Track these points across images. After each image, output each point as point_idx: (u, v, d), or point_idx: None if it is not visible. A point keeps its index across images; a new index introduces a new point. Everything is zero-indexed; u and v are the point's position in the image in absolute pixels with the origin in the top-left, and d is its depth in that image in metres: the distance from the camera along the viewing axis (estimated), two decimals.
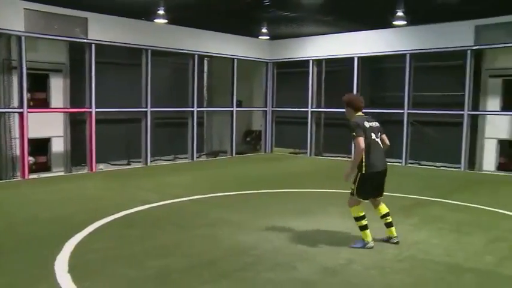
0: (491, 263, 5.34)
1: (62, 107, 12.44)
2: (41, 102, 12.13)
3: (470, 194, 9.33)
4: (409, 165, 13.69)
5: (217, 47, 15.07)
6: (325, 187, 9.97)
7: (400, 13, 11.58)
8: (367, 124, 5.81)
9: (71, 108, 12.40)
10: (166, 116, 14.80)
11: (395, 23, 12.28)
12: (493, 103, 13.28)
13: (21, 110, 10.81)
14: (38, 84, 12.13)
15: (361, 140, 5.60)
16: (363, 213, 5.81)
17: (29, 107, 10.96)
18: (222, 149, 16.50)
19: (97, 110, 12.07)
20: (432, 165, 13.56)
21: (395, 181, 10.29)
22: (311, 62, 15.79)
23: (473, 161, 13.22)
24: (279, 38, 16.03)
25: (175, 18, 12.52)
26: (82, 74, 12.07)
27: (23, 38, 10.68)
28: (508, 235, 6.46)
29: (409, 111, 13.60)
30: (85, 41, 11.80)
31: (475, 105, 13.13)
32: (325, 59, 15.78)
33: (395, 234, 5.94)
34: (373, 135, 5.77)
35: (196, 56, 14.39)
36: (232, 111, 15.76)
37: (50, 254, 5.37)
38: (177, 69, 15.20)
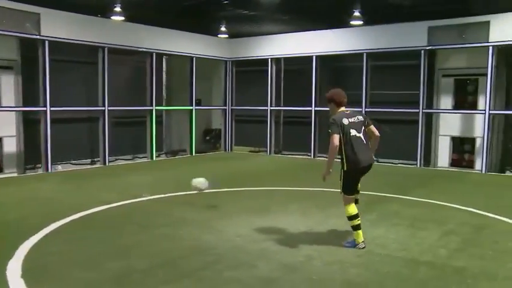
0: (445, 255, 5.52)
1: (13, 105, 12.02)
2: None
3: (426, 190, 9.60)
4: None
5: (175, 45, 14.94)
6: (285, 185, 10.05)
7: (356, 13, 11.81)
8: (345, 121, 5.73)
9: (24, 107, 12.00)
10: (125, 115, 14.56)
11: (353, 22, 12.51)
12: (446, 102, 13.72)
13: None
14: None
15: (335, 138, 5.60)
16: (356, 213, 5.71)
17: None
18: (181, 148, 16.38)
19: (52, 109, 11.76)
20: (390, 163, 13.87)
21: None
22: (270, 60, 15.88)
23: (428, 158, 13.61)
24: (238, 36, 16.04)
25: (133, 16, 12.34)
26: (35, 71, 11.72)
27: None
28: (460, 228, 6.69)
29: (366, 109, 13.85)
30: (37, 37, 11.45)
31: (430, 104, 13.51)
32: (284, 57, 15.90)
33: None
34: (353, 132, 5.68)
35: (154, 54, 14.22)
36: (192, 110, 15.67)
37: (1, 259, 5.19)
38: (136, 68, 14.97)
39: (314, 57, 14.85)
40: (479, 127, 12.75)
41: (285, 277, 4.87)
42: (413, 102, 13.29)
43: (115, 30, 13.10)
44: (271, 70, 15.95)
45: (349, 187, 5.76)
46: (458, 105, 13.58)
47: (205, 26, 14.58)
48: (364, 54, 13.90)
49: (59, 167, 12.34)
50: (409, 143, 13.35)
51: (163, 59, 15.94)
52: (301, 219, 7.09)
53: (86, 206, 7.70)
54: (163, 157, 15.47)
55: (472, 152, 13.44)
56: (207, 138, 17.64)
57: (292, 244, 5.89)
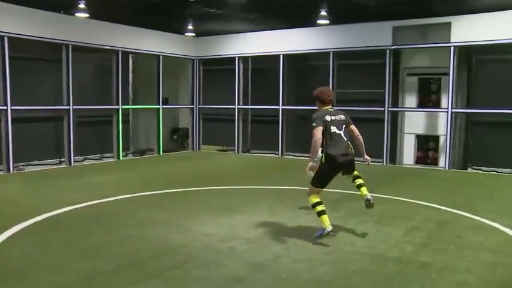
0: (410, 251, 5.63)
1: None
2: None
3: (392, 187, 9.77)
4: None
5: (142, 44, 14.77)
6: (253, 184, 10.07)
7: (323, 12, 11.92)
8: (328, 118, 5.93)
9: None
10: (91, 114, 14.32)
11: (319, 22, 12.63)
12: (411, 100, 13.99)
13: None
14: None
15: (318, 130, 5.81)
16: (318, 200, 5.93)
17: None
18: (148, 147, 16.21)
19: (13, 107, 11.45)
20: (357, 161, 13.98)
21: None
22: (237, 59, 15.86)
23: (394, 156, 13.85)
24: (205, 35, 15.97)
25: (98, 13, 12.11)
26: None
27: None
28: (425, 225, 6.84)
29: (334, 108, 13.95)
30: None
31: (395, 102, 13.76)
32: (252, 56, 15.92)
33: (368, 196, 6.14)
34: (334, 129, 5.89)
35: (120, 52, 14.00)
36: (159, 109, 15.52)
37: None
38: (101, 66, 14.74)
39: (281, 56, 14.91)
40: (443, 125, 13.07)
41: (253, 276, 4.88)
42: (379, 101, 13.50)
43: (79, 28, 12.83)
44: (238, 69, 15.94)
45: (320, 180, 5.94)
46: (422, 104, 13.88)
47: (172, 24, 14.46)
48: (331, 53, 14.03)
49: (22, 167, 12.02)
50: (375, 141, 13.54)
51: (130, 58, 15.74)
52: (270, 218, 7.12)
53: (50, 208, 7.53)
54: (130, 157, 15.28)
55: (436, 149, 13.76)
56: (175, 137, 17.51)
57: (260, 243, 5.91)
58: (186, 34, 15.53)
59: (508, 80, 12.24)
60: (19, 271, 4.95)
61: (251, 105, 16.41)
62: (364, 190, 6.20)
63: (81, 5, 11.23)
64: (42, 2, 11.32)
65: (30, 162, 12.57)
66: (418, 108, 13.89)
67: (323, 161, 5.87)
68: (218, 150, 16.86)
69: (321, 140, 5.82)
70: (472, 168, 12.92)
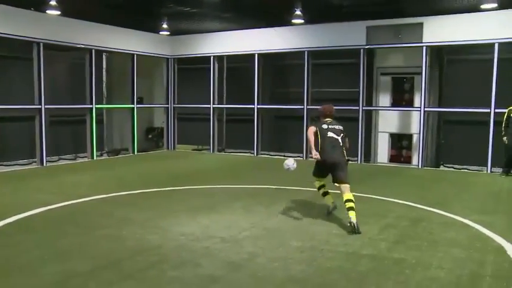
0: (384, 248, 5.72)
1: None
2: None
3: (366, 186, 9.86)
4: (311, 159, 14.11)
5: (116, 42, 14.61)
6: (229, 183, 10.06)
7: (298, 12, 11.97)
8: (324, 126, 7.02)
9: None
10: (65, 114, 14.11)
11: (294, 21, 12.68)
12: (384, 99, 14.18)
13: None
14: None
15: (310, 128, 7.03)
16: (321, 184, 7.26)
17: None
18: (123, 147, 16.05)
19: None
20: None
21: (297, 175, 10.65)
22: (212, 58, 15.82)
23: (368, 154, 14.01)
24: (180, 33, 15.89)
25: (70, 10, 11.91)
26: None
27: None
28: (398, 222, 6.95)
29: (308, 107, 14.07)
30: None
31: (369, 101, 13.92)
32: (227, 55, 15.90)
33: (353, 220, 6.37)
34: (330, 133, 6.93)
35: (93, 51, 13.82)
36: (133, 108, 15.38)
37: None
38: (74, 65, 14.52)
39: (256, 55, 14.93)
40: (416, 124, 13.28)
41: (229, 275, 4.88)
42: (353, 100, 13.63)
43: (51, 25, 12.61)
44: (213, 68, 15.90)
45: (316, 173, 7.22)
46: (395, 103, 14.08)
47: (146, 23, 14.35)
48: (306, 52, 14.12)
49: None
50: (350, 139, 13.66)
51: (104, 56, 15.55)
52: (245, 217, 7.13)
53: (22, 209, 7.40)
54: (105, 156, 15.11)
55: (409, 148, 13.98)
56: (150, 136, 17.38)
57: (236, 242, 5.92)
58: (160, 33, 15.42)
59: (477, 79, 12.50)
60: None
61: (226, 104, 16.40)
62: (352, 214, 6.45)
63: (53, 2, 11.02)
64: None
65: (1, 163, 12.32)
66: (391, 107, 14.08)
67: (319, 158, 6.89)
68: (193, 150, 16.81)
69: (313, 138, 6.87)
70: (444, 166, 13.18)
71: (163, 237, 6.10)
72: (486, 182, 10.79)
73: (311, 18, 12.79)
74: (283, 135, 15.63)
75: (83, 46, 13.57)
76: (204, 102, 16.00)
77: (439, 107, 13.34)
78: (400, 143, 14.17)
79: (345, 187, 6.66)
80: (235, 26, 14.72)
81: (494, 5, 10.43)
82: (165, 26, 14.44)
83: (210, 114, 15.95)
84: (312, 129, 6.99)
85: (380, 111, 14.18)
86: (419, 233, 6.39)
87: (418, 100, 13.24)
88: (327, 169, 6.93)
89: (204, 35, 15.84)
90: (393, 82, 14.18)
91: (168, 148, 16.92)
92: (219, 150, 16.26)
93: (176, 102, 16.84)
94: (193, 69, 16.95)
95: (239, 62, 15.91)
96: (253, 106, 15.03)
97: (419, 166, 12.90)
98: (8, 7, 11.56)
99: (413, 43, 12.76)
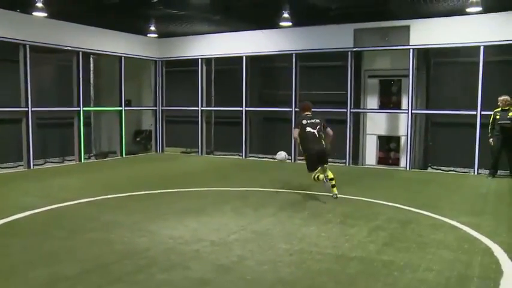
0: (373, 250, 5.73)
1: None
2: None
3: (355, 188, 9.90)
4: (299, 161, 14.14)
5: (103, 45, 14.53)
6: (218, 186, 10.03)
7: (285, 14, 11.99)
8: (304, 121, 8.54)
9: None
10: (52, 116, 13.99)
11: (282, 23, 12.70)
12: (372, 101, 14.24)
13: None
14: None
15: (295, 131, 8.61)
16: (313, 177, 8.53)
17: None
18: (111, 149, 15.95)
19: None
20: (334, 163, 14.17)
21: (286, 177, 10.66)
22: (200, 60, 15.80)
23: (356, 156, 14.06)
24: (168, 36, 15.84)
25: (57, 12, 11.80)
26: None
27: None
28: (387, 224, 6.97)
29: (297, 109, 14.08)
30: None
31: (357, 104, 13.98)
32: (215, 58, 15.89)
33: (336, 192, 8.49)
34: (308, 129, 8.46)
35: (80, 53, 13.74)
36: (121, 110, 15.29)
37: None
38: (61, 67, 14.42)
39: (244, 58, 14.93)
40: (403, 126, 13.36)
41: (218, 278, 4.86)
42: (341, 102, 13.69)
43: (37, 27, 12.51)
44: (201, 70, 15.88)
45: (310, 167, 8.51)
46: (383, 105, 14.16)
47: (134, 25, 14.28)
48: (293, 54, 14.16)
49: None
50: (338, 142, 13.70)
51: (91, 58, 15.46)
52: (234, 219, 7.12)
53: (8, 212, 7.31)
54: (93, 159, 15.01)
55: (397, 150, 14.04)
56: (138, 139, 17.29)
57: (225, 244, 5.90)
58: (148, 35, 15.36)
59: (464, 82, 12.62)
60: None
61: (214, 106, 16.37)
62: (335, 189, 8.54)
63: (39, 4, 10.91)
64: None
65: None
66: (379, 109, 14.16)
67: (304, 153, 8.54)
68: (182, 152, 16.75)
69: (298, 138, 8.46)
70: (432, 168, 13.26)
71: (152, 240, 6.06)
72: (473, 184, 10.88)
73: (299, 21, 12.81)
74: (271, 137, 15.63)
75: (70, 48, 13.48)
76: (192, 105, 15.96)
77: (427, 109, 13.43)
78: (388, 145, 14.24)
79: (327, 167, 8.50)
80: (223, 29, 14.70)
81: (479, 9, 10.53)
82: (153, 28, 14.38)
83: (198, 117, 15.92)
84: (296, 131, 8.54)
85: (368, 113, 14.24)
86: (408, 235, 6.42)
87: (405, 102, 13.32)
88: (316, 159, 8.39)
89: (192, 37, 15.81)
90: (381, 84, 14.24)
91: (156, 151, 16.85)
92: (207, 153, 16.23)
93: (164, 105, 16.79)
94: (181, 71, 16.91)
95: (227, 64, 15.89)
96: (241, 108, 15.02)
97: (407, 168, 12.98)
98: None
99: (400, 46, 12.86)
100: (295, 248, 5.79)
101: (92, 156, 15.28)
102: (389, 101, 14.19)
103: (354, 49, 13.40)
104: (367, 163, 14.14)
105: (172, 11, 12.08)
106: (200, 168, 13.43)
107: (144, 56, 16.14)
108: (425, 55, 13.36)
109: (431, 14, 11.98)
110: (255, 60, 15.24)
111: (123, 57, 15.10)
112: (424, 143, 13.57)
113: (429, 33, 12.49)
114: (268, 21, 13.22)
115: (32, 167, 12.53)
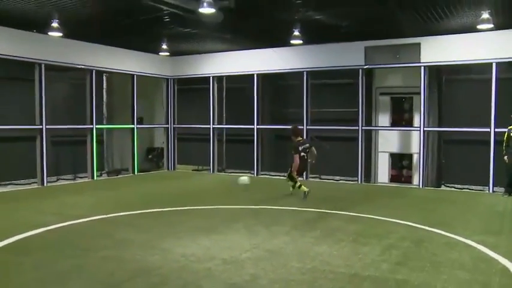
0: (387, 269, 5.66)
1: None
2: None
3: (367, 206, 9.84)
4: (310, 179, 14.12)
5: (116, 63, 14.70)
6: (229, 203, 10.02)
7: (296, 32, 12.06)
8: (300, 148, 10.46)
9: None
10: (65, 134, 14.12)
11: (293, 42, 12.77)
12: (384, 119, 14.21)
13: None
14: None
15: (296, 157, 10.37)
16: (298, 184, 10.53)
17: None
18: (123, 167, 16.02)
19: None
20: (332, 179, 14.14)
21: (298, 195, 10.61)
22: (212, 78, 15.90)
23: (368, 174, 13.97)
24: (180, 54, 15.99)
25: (72, 32, 12.00)
26: None
27: None
28: (400, 243, 6.89)
29: (308, 127, 14.09)
30: None
31: (368, 121, 13.94)
32: (226, 75, 15.98)
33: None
34: (303, 154, 10.49)
35: (94, 71, 13.91)
36: (134, 128, 15.40)
37: None
38: (75, 85, 14.59)
39: (255, 76, 15.00)
40: (416, 143, 13.28)
41: None
42: (352, 120, 13.65)
43: (52, 47, 12.71)
44: (213, 88, 15.97)
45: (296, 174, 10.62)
46: (395, 123, 14.11)
47: (146, 44, 14.44)
48: (304, 72, 14.19)
49: None
50: (350, 159, 13.67)
51: (104, 77, 15.63)
52: (246, 238, 7.08)
53: (21, 230, 7.35)
54: (105, 177, 15.08)
55: (409, 167, 13.95)
56: (150, 157, 17.37)
57: (237, 263, 5.86)
58: (160, 53, 15.51)
59: (477, 99, 12.54)
60: None
61: (226, 124, 16.43)
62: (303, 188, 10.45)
63: (55, 24, 11.12)
64: (14, 21, 11.16)
65: (1, 183, 12.29)
66: (391, 126, 14.10)
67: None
68: (193, 170, 16.77)
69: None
70: (445, 185, 13.13)
71: (164, 258, 6.05)
72: (488, 202, 10.74)
73: (310, 39, 12.88)
74: (283, 155, 15.60)
75: (83, 67, 13.65)
76: (203, 123, 16.03)
77: (439, 126, 13.35)
78: (401, 162, 14.16)
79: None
80: (235, 47, 14.81)
81: (490, 26, 10.51)
82: (165, 46, 14.53)
83: (209, 135, 15.97)
84: (298, 157, 10.38)
85: (380, 131, 14.20)
86: (422, 254, 6.33)
87: (417, 120, 13.25)
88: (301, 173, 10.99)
89: (203, 55, 15.94)
90: (392, 102, 14.23)
91: (168, 168, 16.89)
92: (219, 171, 16.23)
93: (176, 123, 16.87)
94: (193, 89, 17.02)
95: (239, 82, 15.98)
96: (253, 126, 15.05)
97: (420, 186, 12.86)
98: (10, 29, 11.67)
99: (412, 63, 12.84)
100: (307, 266, 5.74)
101: (104, 173, 15.36)
102: (401, 118, 14.15)
103: (365, 67, 13.41)
104: (379, 181, 14.05)
105: (184, 30, 12.21)
106: (212, 186, 13.43)
107: (156, 74, 16.29)
108: (437, 72, 13.33)
109: (442, 31, 11.99)
110: (266, 78, 15.31)
111: (135, 76, 15.26)
112: (437, 160, 13.46)
113: (440, 50, 12.47)
114: (279, 40, 13.29)
115: (45, 184, 12.62)
